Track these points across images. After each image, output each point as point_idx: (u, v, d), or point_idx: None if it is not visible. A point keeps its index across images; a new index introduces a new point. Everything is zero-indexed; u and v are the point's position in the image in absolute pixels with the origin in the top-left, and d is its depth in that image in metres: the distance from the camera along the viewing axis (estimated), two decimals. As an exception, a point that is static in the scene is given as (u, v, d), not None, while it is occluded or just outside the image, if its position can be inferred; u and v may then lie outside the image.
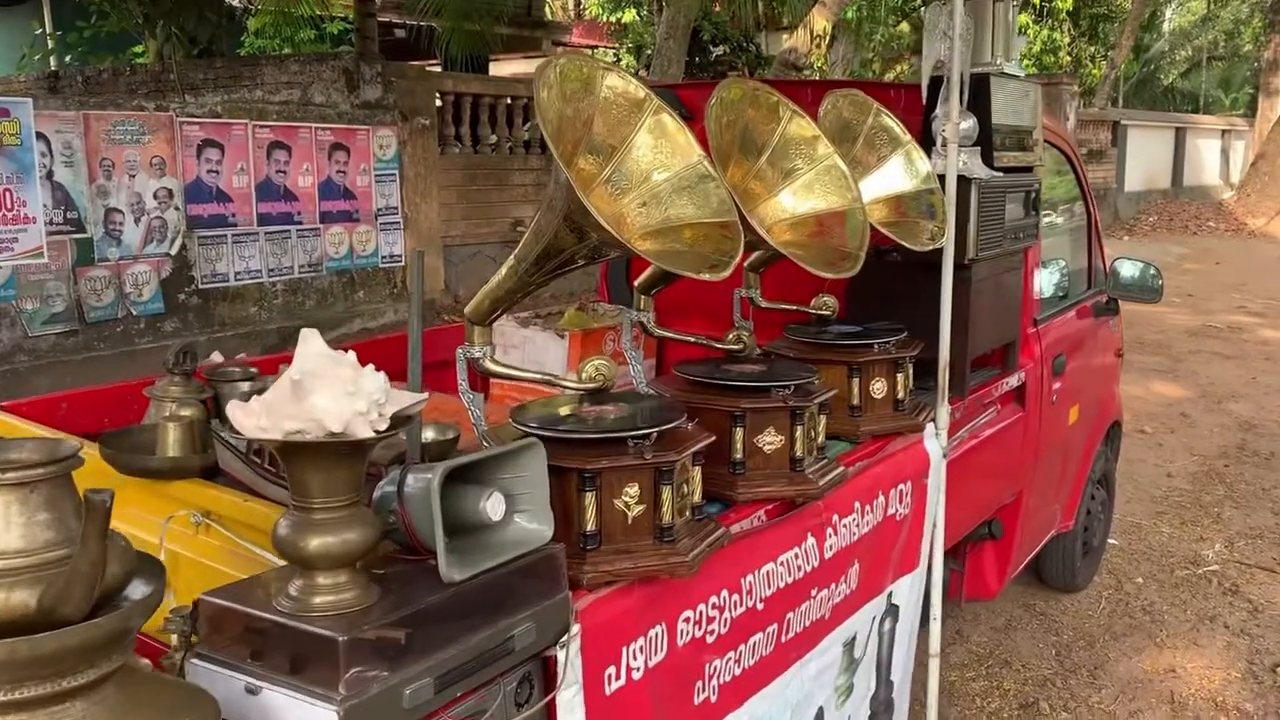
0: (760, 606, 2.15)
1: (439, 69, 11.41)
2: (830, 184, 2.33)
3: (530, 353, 4.13)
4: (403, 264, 9.18)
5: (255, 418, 1.36)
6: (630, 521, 1.82)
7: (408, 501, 1.57)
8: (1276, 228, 21.15)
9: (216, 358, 7.79)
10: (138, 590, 1.22)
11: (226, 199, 7.75)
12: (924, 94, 3.08)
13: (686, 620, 1.94)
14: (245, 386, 2.58)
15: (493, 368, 2.04)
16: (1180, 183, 24.37)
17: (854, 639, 2.60)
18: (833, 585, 2.42)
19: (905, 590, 2.84)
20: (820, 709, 2.46)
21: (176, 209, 7.46)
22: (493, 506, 1.57)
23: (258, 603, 1.43)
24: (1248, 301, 13.38)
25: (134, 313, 7.22)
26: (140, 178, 7.21)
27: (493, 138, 10.08)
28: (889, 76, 15.30)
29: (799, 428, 2.26)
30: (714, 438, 1.97)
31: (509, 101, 10.09)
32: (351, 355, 1.39)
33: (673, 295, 2.69)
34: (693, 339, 2.58)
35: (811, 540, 2.32)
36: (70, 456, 1.18)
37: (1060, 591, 4.84)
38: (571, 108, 1.80)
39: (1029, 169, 3.44)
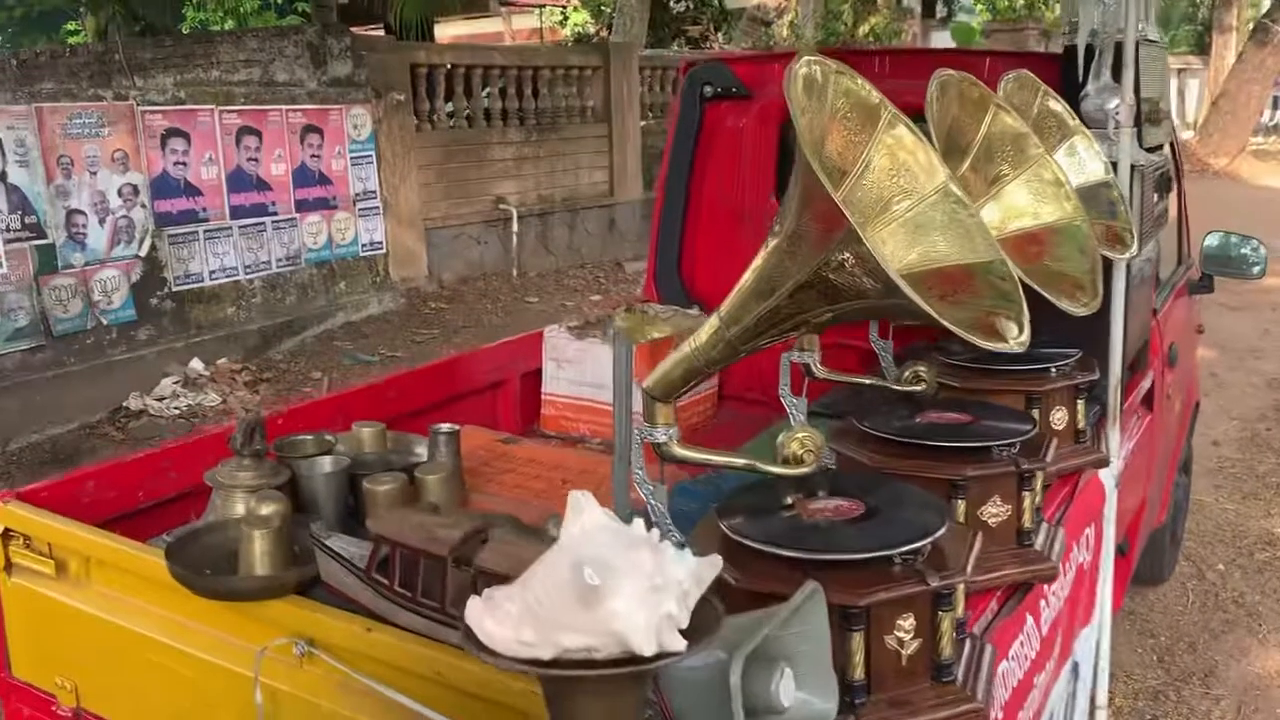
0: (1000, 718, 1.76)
1: (380, 34, 10.75)
2: (1042, 192, 1.92)
3: (590, 369, 3.68)
4: (384, 251, 8.63)
5: (513, 628, 0.93)
6: (905, 662, 1.42)
7: (676, 688, 1.15)
8: (1240, 167, 21.15)
9: (196, 365, 7.23)
10: None
11: (196, 192, 7.15)
12: (1073, 65, 2.67)
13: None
14: (328, 465, 2.13)
15: (682, 453, 1.62)
16: (1139, 124, 24.21)
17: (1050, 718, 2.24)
18: (1047, 667, 2.05)
19: (1084, 645, 2.48)
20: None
21: (143, 206, 6.86)
22: (784, 689, 1.16)
23: None
24: (1234, 247, 13.21)
25: (105, 322, 6.63)
26: (102, 174, 6.60)
27: (468, 110, 9.52)
28: (863, 29, 14.85)
29: (1027, 494, 1.87)
30: (980, 538, 1.57)
31: (482, 71, 9.52)
32: (640, 526, 0.97)
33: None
34: (868, 380, 2.16)
35: (1030, 621, 1.94)
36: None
37: (1145, 585, 4.55)
38: (813, 123, 1.37)
39: (1160, 146, 3.06)
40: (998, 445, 1.87)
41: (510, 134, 9.80)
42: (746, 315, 1.45)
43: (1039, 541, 1.88)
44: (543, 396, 3.78)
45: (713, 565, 0.95)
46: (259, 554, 1.80)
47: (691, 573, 0.94)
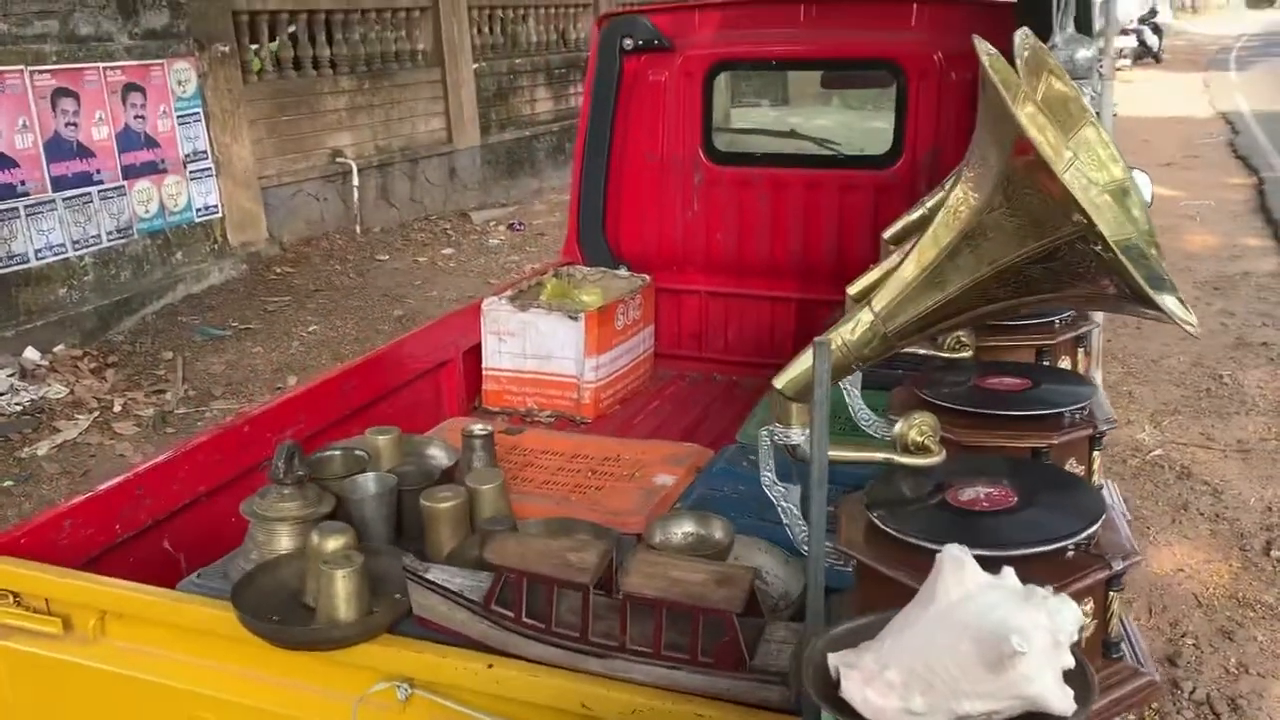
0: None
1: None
2: (1094, 155, 1.94)
3: (534, 341, 3.55)
4: (220, 215, 8.06)
5: (900, 698, 0.87)
6: (1083, 645, 1.43)
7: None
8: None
9: (32, 355, 6.61)
10: None
11: (11, 164, 6.45)
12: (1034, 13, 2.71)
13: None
14: (374, 484, 1.96)
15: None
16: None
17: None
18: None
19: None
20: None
21: (-48, 183, 6.14)
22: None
23: None
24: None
25: (-80, 315, 5.95)
26: (-99, 149, 5.85)
27: (296, 58, 8.94)
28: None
29: (1097, 454, 1.92)
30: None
31: (307, 16, 8.94)
32: (1012, 576, 0.92)
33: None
34: (922, 351, 2.14)
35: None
36: None
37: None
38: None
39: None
40: (1070, 410, 1.90)
41: (342, 82, 9.28)
42: (911, 309, 1.40)
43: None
44: (484, 372, 3.64)
45: (1077, 615, 0.91)
46: (344, 596, 1.64)
47: (1075, 620, 0.90)
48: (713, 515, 1.77)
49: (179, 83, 7.61)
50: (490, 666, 1.60)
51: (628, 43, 3.80)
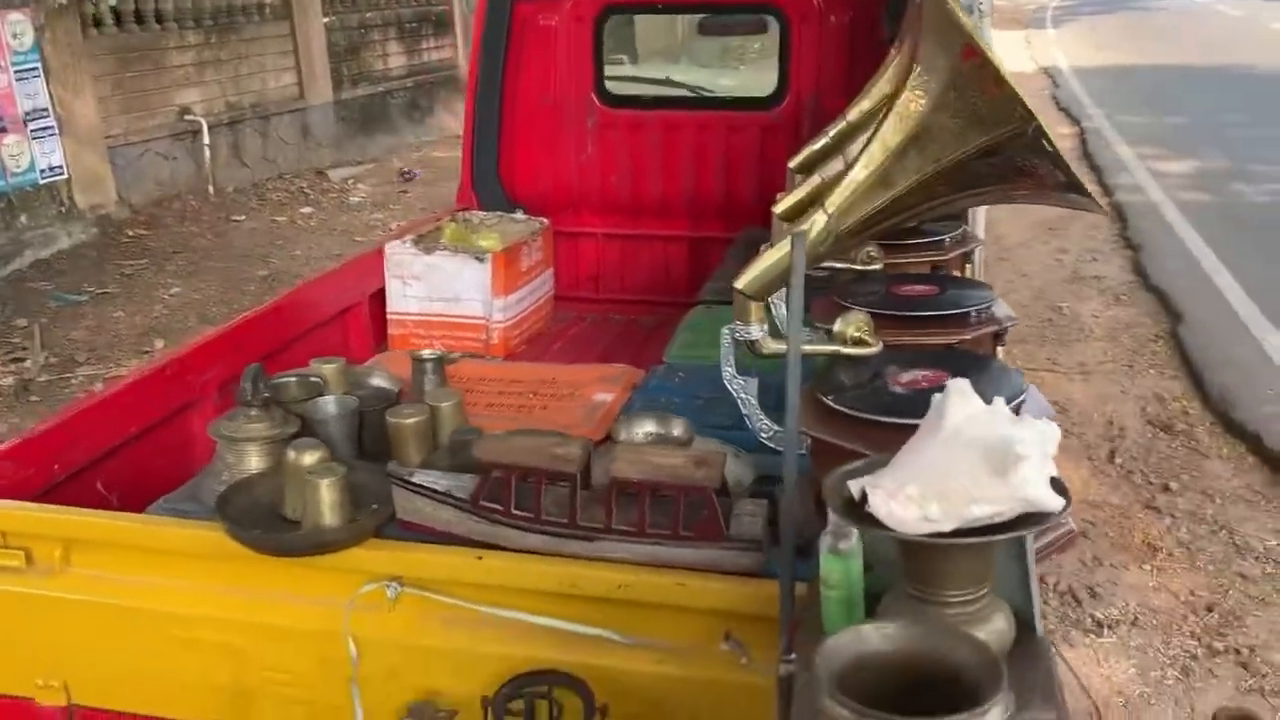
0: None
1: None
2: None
3: (438, 283, 3.59)
4: (65, 176, 7.68)
5: (918, 507, 1.03)
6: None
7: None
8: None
9: None
10: None
11: None
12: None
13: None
14: (337, 405, 2.02)
15: (773, 348, 1.72)
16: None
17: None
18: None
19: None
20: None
21: None
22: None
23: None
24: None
25: None
26: None
27: (137, 11, 8.54)
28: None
29: (1001, 349, 2.14)
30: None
31: (146, -34, 8.55)
32: (1004, 405, 1.09)
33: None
34: (839, 265, 2.32)
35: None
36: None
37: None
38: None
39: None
40: (975, 309, 2.12)
41: (188, 36, 8.92)
42: (862, 208, 1.57)
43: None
44: (389, 317, 3.66)
45: (1057, 434, 1.09)
46: (329, 503, 1.72)
47: (1057, 437, 1.08)
48: (671, 415, 1.91)
49: (14, 35, 7.19)
50: (480, 559, 1.70)
51: (519, -12, 3.85)
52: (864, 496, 1.07)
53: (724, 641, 1.55)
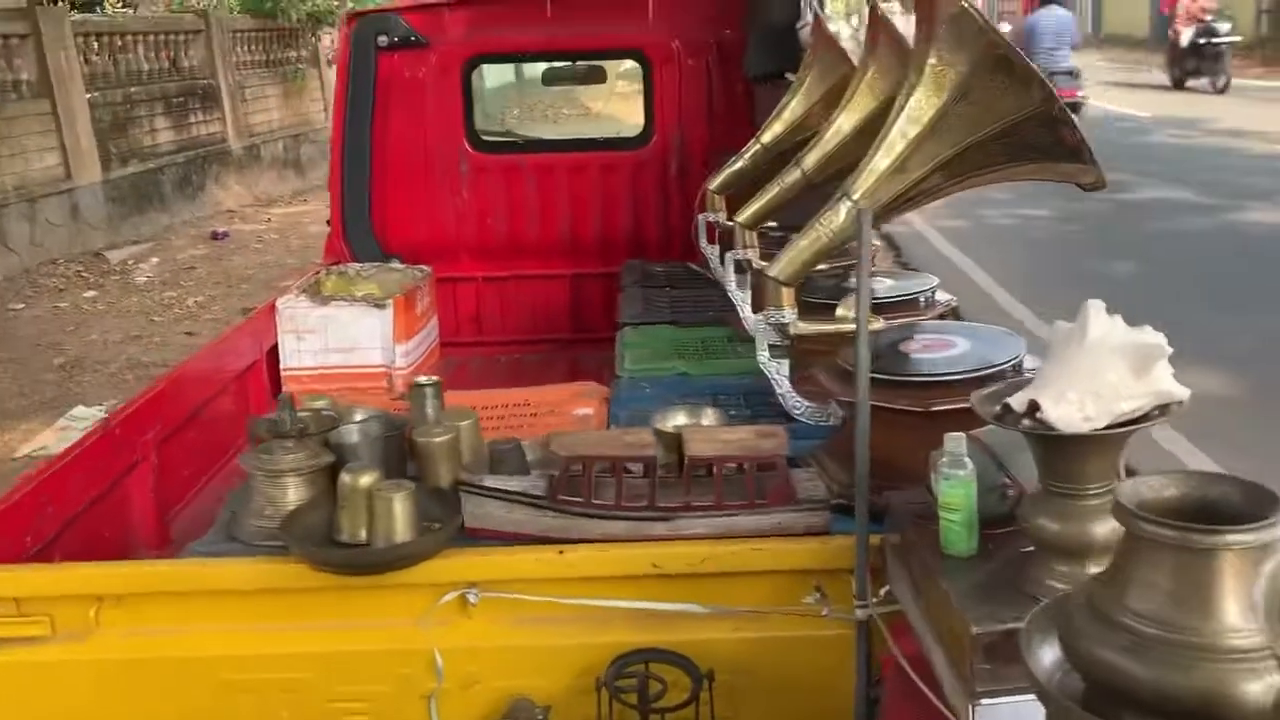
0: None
1: None
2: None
3: (336, 335, 3.56)
4: None
5: (1078, 409, 1.22)
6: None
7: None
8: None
9: None
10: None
11: None
12: None
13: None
14: (367, 433, 2.02)
15: (805, 328, 1.88)
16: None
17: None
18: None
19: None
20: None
21: None
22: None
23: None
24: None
25: None
26: None
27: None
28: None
29: (950, 327, 2.40)
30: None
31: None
32: (1120, 319, 1.30)
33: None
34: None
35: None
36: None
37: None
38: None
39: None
40: (924, 295, 2.37)
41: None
42: (884, 193, 1.77)
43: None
44: (283, 373, 3.58)
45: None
46: (402, 518, 1.74)
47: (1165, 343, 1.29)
48: (699, 405, 2.03)
49: None
50: (562, 553, 1.76)
51: (383, 40, 3.89)
52: (1031, 406, 1.24)
53: (813, 593, 1.68)
